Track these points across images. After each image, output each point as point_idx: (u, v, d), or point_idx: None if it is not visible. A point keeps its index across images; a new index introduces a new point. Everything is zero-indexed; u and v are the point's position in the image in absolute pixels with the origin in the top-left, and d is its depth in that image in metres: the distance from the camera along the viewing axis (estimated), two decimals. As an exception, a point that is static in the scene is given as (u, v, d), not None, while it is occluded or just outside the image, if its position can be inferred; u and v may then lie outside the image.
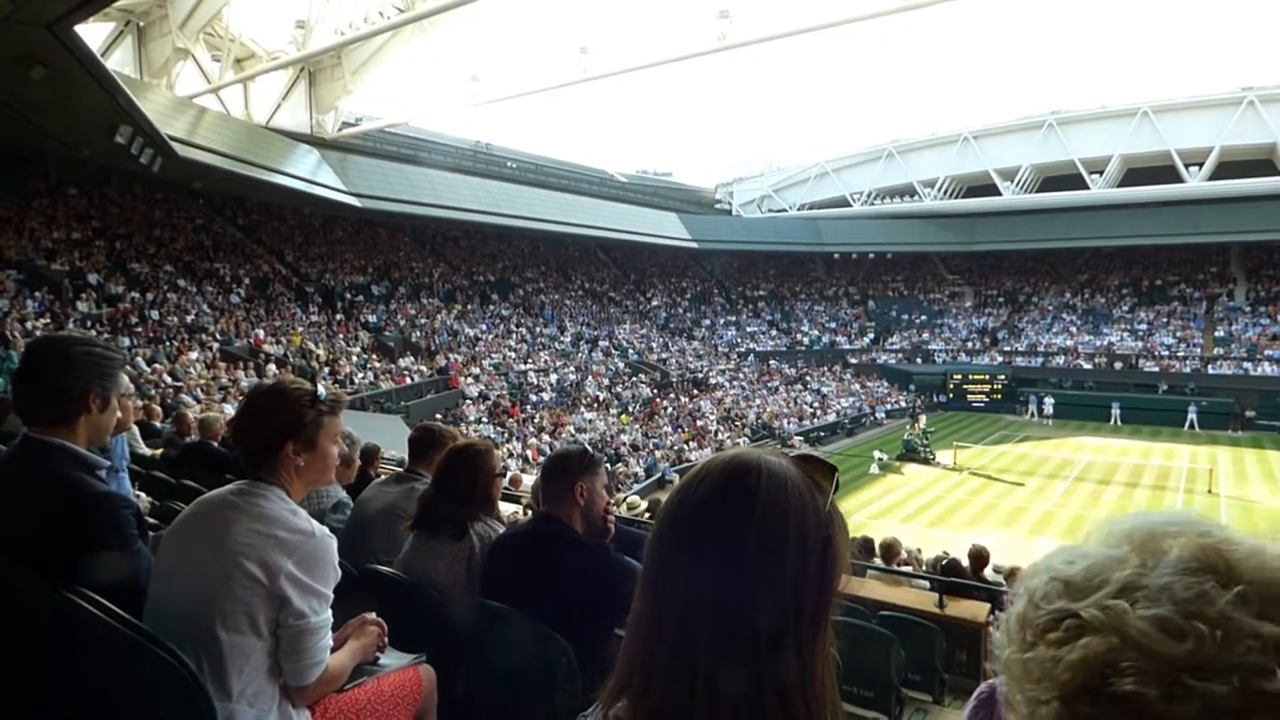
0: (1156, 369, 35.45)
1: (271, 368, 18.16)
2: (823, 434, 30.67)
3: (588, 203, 35.88)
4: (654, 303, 41.65)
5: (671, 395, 29.89)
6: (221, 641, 1.58)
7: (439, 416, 20.88)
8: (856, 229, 41.49)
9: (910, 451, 26.71)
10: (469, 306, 30.82)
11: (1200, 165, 33.06)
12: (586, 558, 2.12)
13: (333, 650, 1.77)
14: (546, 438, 22.68)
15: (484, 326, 29.74)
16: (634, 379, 30.11)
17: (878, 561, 7.23)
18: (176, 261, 22.15)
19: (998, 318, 42.30)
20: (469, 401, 23.40)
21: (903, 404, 35.69)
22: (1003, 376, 36.87)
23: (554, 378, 27.47)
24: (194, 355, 17.39)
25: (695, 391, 31.16)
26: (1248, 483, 23.02)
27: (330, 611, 1.70)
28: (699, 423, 27.97)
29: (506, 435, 22.08)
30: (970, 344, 40.61)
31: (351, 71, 25.98)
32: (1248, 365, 33.63)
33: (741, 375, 34.93)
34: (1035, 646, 0.55)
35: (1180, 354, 35.67)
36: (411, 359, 24.32)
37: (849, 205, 41.93)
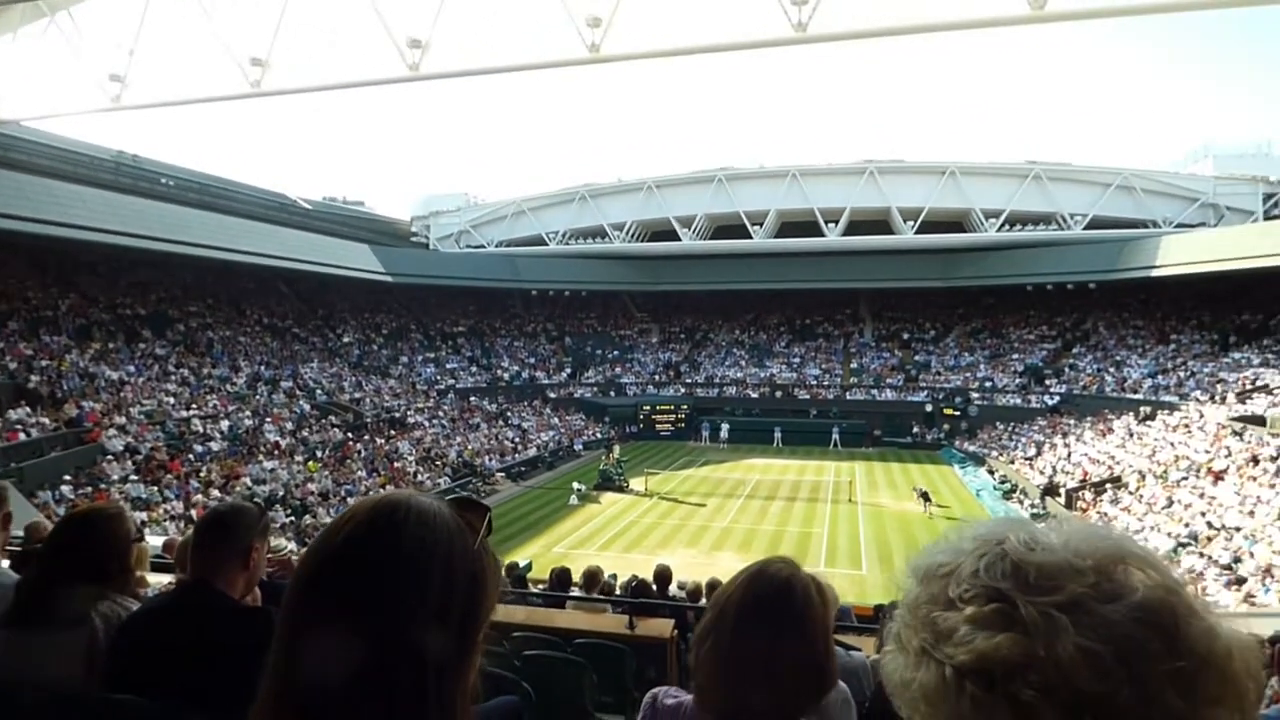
0: (808, 396, 44.87)
1: None
2: (524, 469, 33.65)
3: (266, 229, 34.82)
4: (345, 339, 41.61)
5: (366, 437, 30.55)
6: None
7: (69, 479, 19.47)
8: (553, 267, 46.14)
9: (606, 481, 30.62)
10: (111, 345, 28.34)
11: (836, 222, 42.79)
12: (248, 627, 1.81)
13: None
14: (216, 493, 22.10)
15: (132, 368, 27.55)
16: (323, 421, 30.23)
17: (576, 591, 7.79)
18: None
19: (680, 352, 49.86)
20: (111, 458, 21.75)
21: (599, 435, 40.37)
22: (686, 406, 43.73)
23: (225, 424, 26.62)
24: None
25: (392, 432, 32.14)
26: (878, 491, 30.62)
27: None
28: (396, 464, 29.12)
29: (162, 494, 21.08)
30: (657, 377, 47.33)
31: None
32: (875, 391, 44.18)
33: (442, 413, 36.66)
34: (954, 607, 0.59)
35: (825, 383, 45.55)
36: (27, 409, 21.97)
37: (545, 244, 46.41)
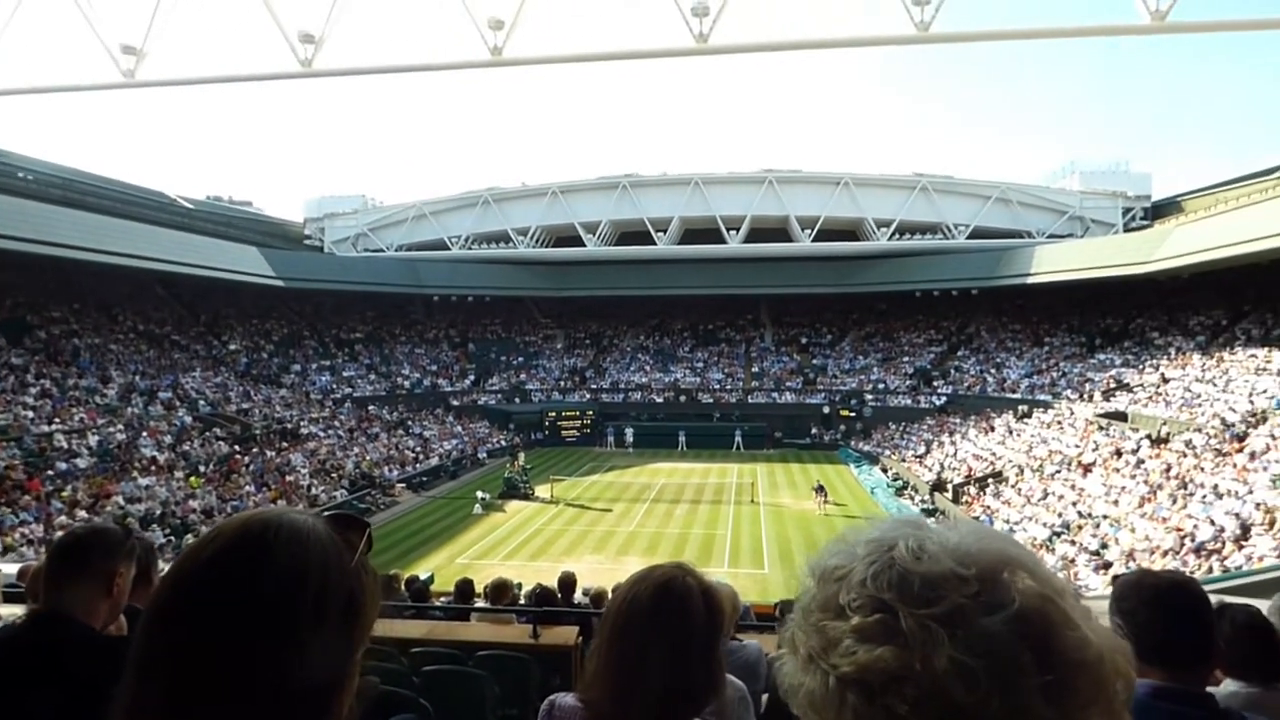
0: (711, 400, 45.65)
1: None
2: (426, 478, 32.83)
3: (141, 229, 32.46)
4: (232, 346, 39.44)
5: (255, 450, 29.05)
6: None
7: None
8: (455, 272, 45.18)
9: (511, 489, 30.30)
10: (-42, 354, 25.88)
11: (738, 229, 43.74)
12: (106, 659, 1.47)
13: None
14: (83, 513, 20.50)
15: (-17, 379, 25.31)
16: (206, 434, 28.52)
17: (481, 602, 7.76)
18: None
19: (585, 358, 49.85)
20: (-50, 479, 19.80)
21: (503, 443, 39.85)
22: (591, 412, 43.70)
23: (94, 439, 24.74)
24: None
25: (284, 444, 30.69)
26: (779, 491, 31.43)
27: None
28: (288, 478, 27.83)
29: (18, 515, 19.42)
30: (563, 383, 47.13)
31: None
32: (775, 395, 45.41)
33: (338, 423, 35.30)
34: (843, 616, 0.59)
35: (728, 387, 46.50)
36: None
37: (448, 249, 45.35)
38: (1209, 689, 2.10)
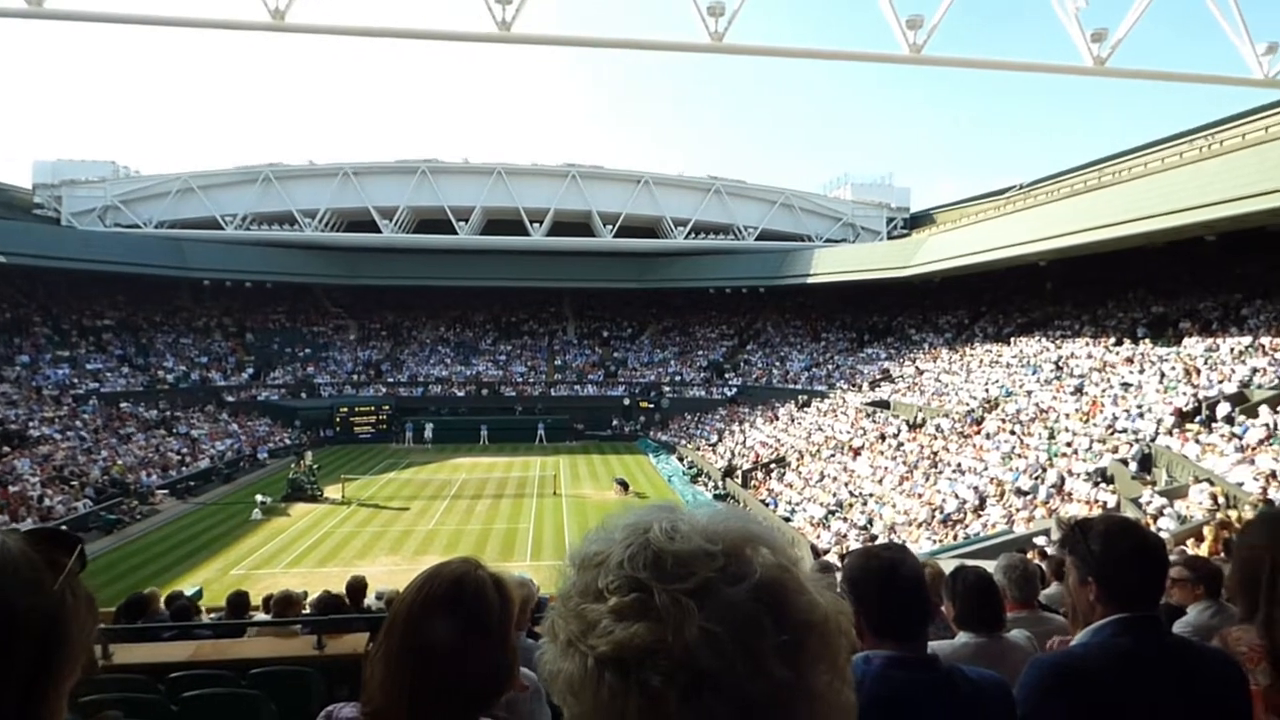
0: (514, 393, 45.10)
1: None
2: (194, 483, 29.50)
3: None
4: (-68, 334, 32.80)
5: (-35, 456, 24.41)
6: None
7: None
8: (231, 255, 40.68)
9: (297, 490, 28.02)
10: None
11: (541, 222, 43.44)
12: None
13: None
14: None
15: None
16: (-104, 439, 23.53)
17: (260, 616, 7.35)
18: None
19: (381, 350, 47.26)
20: None
21: (288, 441, 36.74)
22: (387, 407, 41.48)
23: None
24: None
25: (7, 448, 26.09)
26: (581, 483, 31.55)
27: None
28: (12, 489, 23.68)
29: None
30: (356, 376, 44.33)
31: None
32: (577, 387, 45.72)
33: (80, 423, 30.61)
34: (601, 599, 0.62)
35: (531, 380, 46.18)
36: None
37: (221, 228, 40.77)
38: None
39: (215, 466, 31.54)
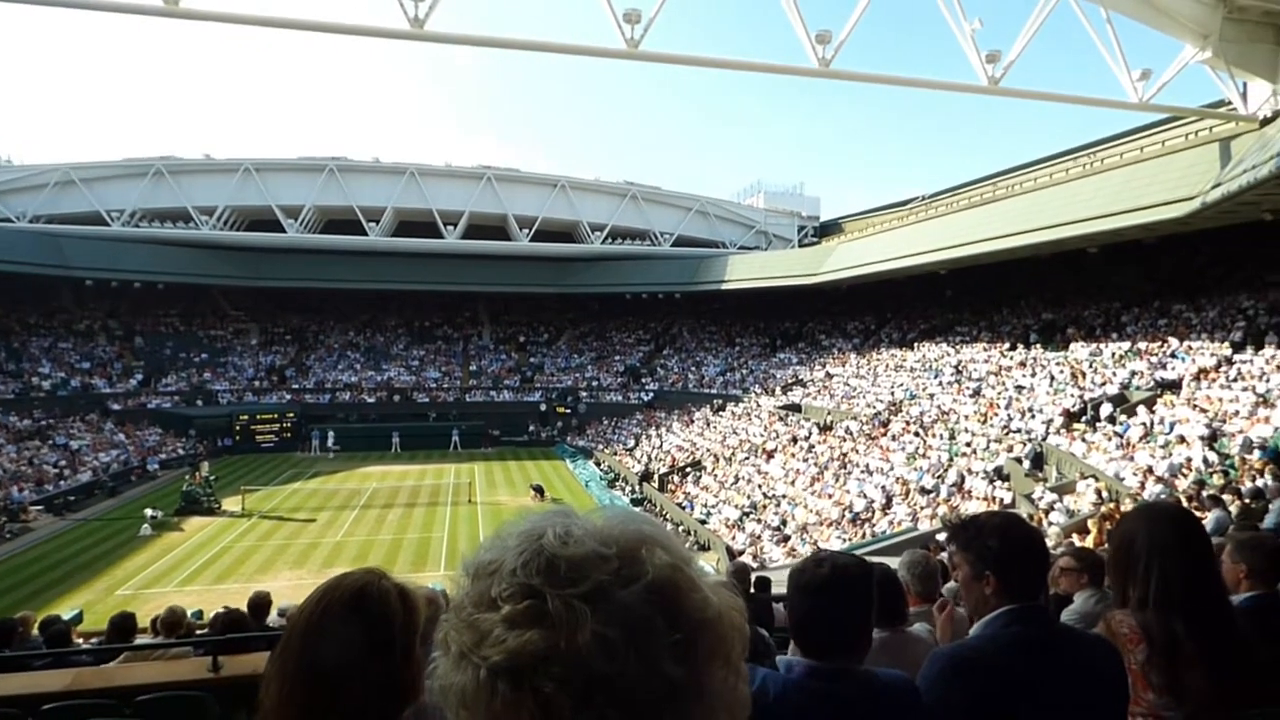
0: (427, 399, 44.08)
1: None
2: (74, 498, 27.57)
3: None
4: None
5: None
6: None
7: None
8: (118, 253, 38.01)
9: (192, 503, 26.61)
10: None
11: (456, 225, 42.63)
12: None
13: None
14: None
15: None
16: None
17: (147, 639, 6.97)
18: None
19: (286, 355, 45.31)
20: None
21: (181, 452, 34.74)
22: (292, 414, 39.81)
23: None
24: None
25: None
26: (497, 490, 31.08)
27: None
28: None
29: None
30: (258, 383, 42.33)
31: None
32: (493, 393, 45.05)
33: (-59, 436, 28.09)
34: (494, 607, 0.61)
35: (445, 385, 45.21)
36: None
37: (106, 224, 38.14)
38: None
39: (99, 479, 29.51)
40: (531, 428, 43.23)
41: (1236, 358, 18.71)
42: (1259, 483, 11.75)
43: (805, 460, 26.12)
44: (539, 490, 28.20)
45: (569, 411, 43.50)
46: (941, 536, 14.13)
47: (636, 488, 30.22)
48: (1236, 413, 15.73)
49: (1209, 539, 2.19)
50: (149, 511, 24.83)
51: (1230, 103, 16.99)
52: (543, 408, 44.04)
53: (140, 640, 6.85)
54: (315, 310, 48.00)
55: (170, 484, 29.97)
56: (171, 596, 17.33)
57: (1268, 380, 16.61)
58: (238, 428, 38.27)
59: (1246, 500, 10.90)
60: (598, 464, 36.00)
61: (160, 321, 44.05)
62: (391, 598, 1.27)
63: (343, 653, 1.20)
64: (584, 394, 44.54)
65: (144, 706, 4.47)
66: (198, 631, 7.61)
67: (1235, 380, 17.49)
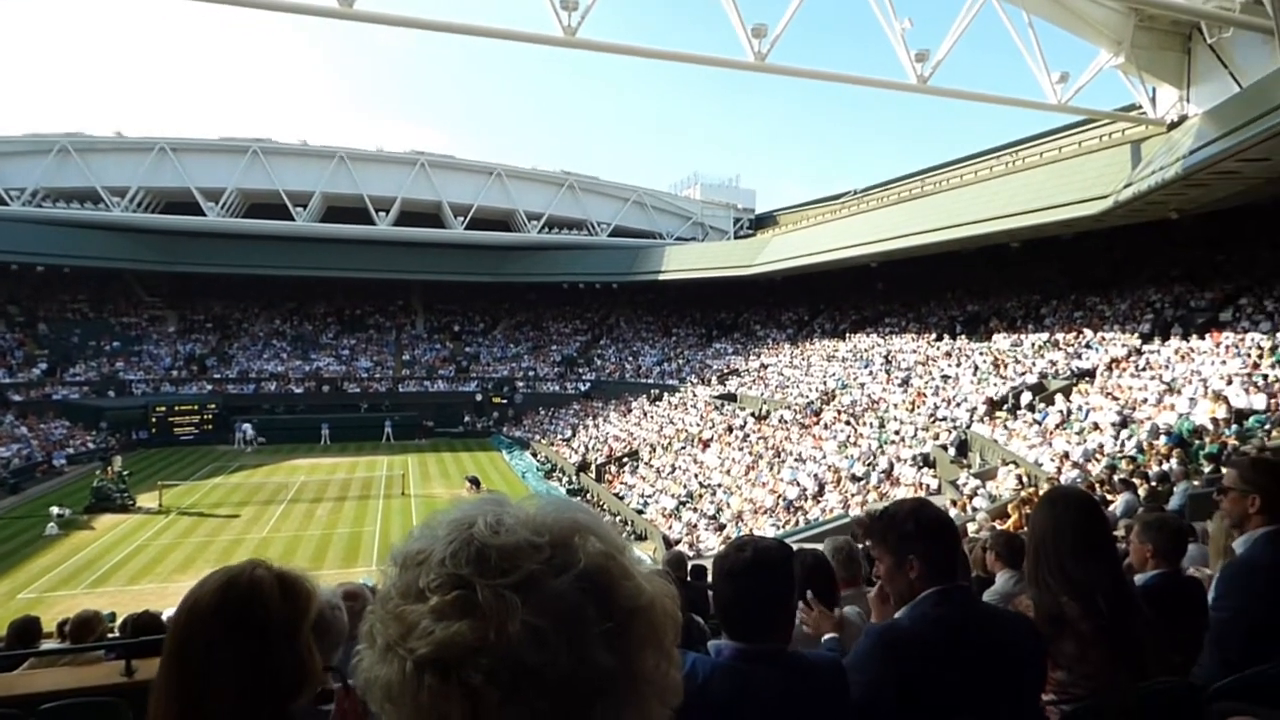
0: (359, 390, 42.98)
1: None
2: (-29, 496, 25.78)
3: None
4: None
5: None
6: None
7: None
8: (17, 234, 35.55)
9: (104, 500, 25.37)
10: None
11: (388, 211, 41.61)
12: None
13: None
14: None
15: None
16: None
17: (52, 644, 6.62)
18: None
19: (207, 344, 43.49)
20: None
21: (92, 445, 33.02)
22: (214, 405, 38.27)
23: None
24: None
25: None
26: (431, 482, 30.50)
27: None
28: None
29: None
30: (176, 373, 40.53)
31: None
32: (427, 383, 44.23)
33: None
34: (422, 599, 0.60)
35: (377, 376, 44.21)
36: None
37: (5, 204, 35.82)
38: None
39: None
40: (467, 418, 42.64)
41: (1145, 348, 19.79)
42: (1165, 467, 12.44)
43: (740, 449, 26.49)
44: (474, 482, 27.86)
45: (505, 402, 43.09)
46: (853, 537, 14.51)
47: (573, 478, 30.16)
48: (1145, 400, 16.62)
49: (1106, 521, 2.31)
50: (55, 509, 23.55)
51: (1141, 107, 17.86)
52: (478, 398, 43.49)
53: (46, 646, 6.51)
54: (238, 297, 46.16)
55: (79, 480, 28.42)
56: (81, 599, 16.49)
57: (1173, 370, 17.61)
58: (154, 420, 36.55)
59: (1154, 484, 11.53)
60: (534, 455, 35.77)
61: (66, 308, 41.67)
62: (265, 586, 1.22)
63: (208, 650, 1.16)
64: (520, 384, 44.17)
65: (49, 715, 4.26)
66: (108, 636, 7.21)
67: (1144, 370, 18.49)
